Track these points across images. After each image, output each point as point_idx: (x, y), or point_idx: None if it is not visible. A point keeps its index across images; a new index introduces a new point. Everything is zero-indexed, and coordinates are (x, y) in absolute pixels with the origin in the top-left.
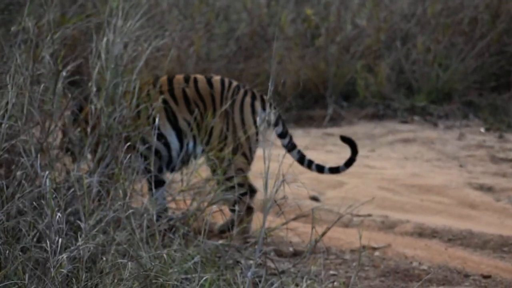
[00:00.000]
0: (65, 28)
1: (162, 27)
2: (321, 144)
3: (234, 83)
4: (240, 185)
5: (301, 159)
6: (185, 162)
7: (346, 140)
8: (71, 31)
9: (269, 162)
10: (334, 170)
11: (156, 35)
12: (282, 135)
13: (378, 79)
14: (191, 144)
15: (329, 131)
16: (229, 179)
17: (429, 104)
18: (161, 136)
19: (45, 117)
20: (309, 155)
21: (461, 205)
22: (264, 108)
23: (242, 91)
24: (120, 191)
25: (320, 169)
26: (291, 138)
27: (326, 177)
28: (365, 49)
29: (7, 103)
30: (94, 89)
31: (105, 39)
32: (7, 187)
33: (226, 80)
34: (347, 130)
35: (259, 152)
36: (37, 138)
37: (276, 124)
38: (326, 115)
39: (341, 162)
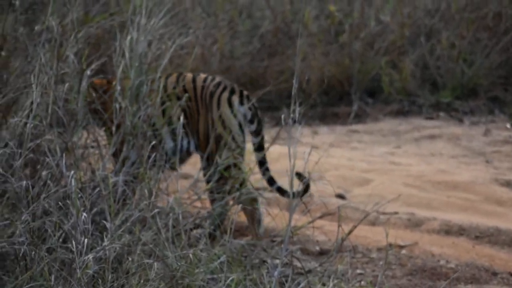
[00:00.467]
0: (88, 27)
1: (186, 25)
2: (346, 141)
3: (217, 80)
4: (236, 179)
5: (261, 164)
6: (182, 160)
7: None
8: (94, 29)
9: (295, 160)
10: (282, 192)
11: (180, 33)
12: (255, 133)
13: (402, 75)
14: (185, 142)
15: (354, 128)
16: (223, 175)
17: (454, 100)
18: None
19: (70, 116)
20: (334, 152)
21: (488, 201)
22: (242, 103)
23: (221, 87)
24: (146, 191)
25: (270, 183)
26: (262, 138)
27: (352, 174)
28: (389, 45)
29: (31, 103)
30: (119, 87)
31: (129, 38)
32: (33, 187)
33: (210, 77)
34: (372, 127)
35: (285, 149)
36: (62, 138)
37: (251, 122)
38: (351, 112)
39: (366, 159)
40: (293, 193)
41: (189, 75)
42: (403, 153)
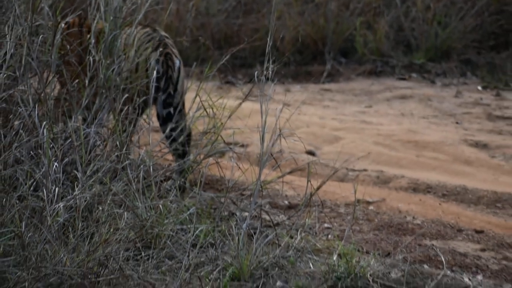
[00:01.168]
0: None
1: None
2: (318, 100)
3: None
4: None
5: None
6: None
7: None
8: None
9: (266, 116)
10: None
11: None
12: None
13: (377, 36)
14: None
15: (327, 86)
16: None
17: (427, 61)
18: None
19: (43, 68)
20: (306, 110)
21: (456, 161)
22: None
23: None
24: (117, 142)
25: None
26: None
27: (323, 132)
28: (365, 6)
29: (5, 54)
30: (93, 41)
31: None
32: (5, 136)
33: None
34: (345, 86)
35: (257, 106)
36: (35, 89)
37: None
38: (324, 71)
39: (337, 117)
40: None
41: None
42: (374, 112)
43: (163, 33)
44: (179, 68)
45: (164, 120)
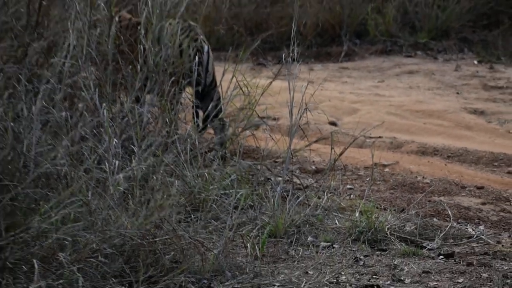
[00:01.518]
0: None
1: None
2: (337, 77)
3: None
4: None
5: None
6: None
7: None
8: None
9: (294, 93)
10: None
11: None
12: None
13: (386, 20)
14: None
15: (344, 65)
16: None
17: (430, 40)
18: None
19: (101, 57)
20: (328, 86)
21: (458, 127)
22: None
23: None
24: (167, 120)
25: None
26: None
27: (343, 105)
28: None
29: (69, 45)
30: (143, 31)
31: None
32: (71, 117)
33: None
34: (360, 64)
35: (285, 84)
36: (95, 75)
37: None
38: (342, 51)
39: (354, 91)
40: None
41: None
42: (386, 86)
43: (191, 22)
44: (207, 52)
45: (198, 96)
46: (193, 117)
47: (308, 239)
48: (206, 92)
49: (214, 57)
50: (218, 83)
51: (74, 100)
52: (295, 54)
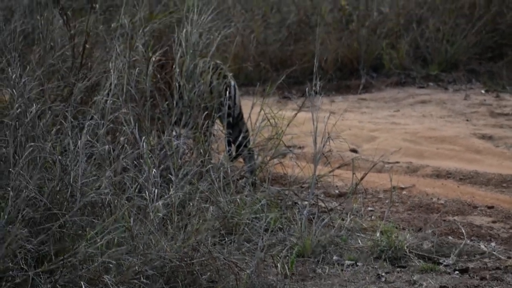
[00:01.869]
0: (153, 23)
1: (229, 19)
2: (357, 107)
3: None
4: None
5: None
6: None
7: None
8: (157, 25)
9: (317, 123)
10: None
11: (224, 26)
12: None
13: (399, 54)
14: None
15: (363, 96)
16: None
17: (440, 72)
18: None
19: (140, 94)
20: (348, 116)
21: (468, 151)
22: None
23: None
24: (201, 150)
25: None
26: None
27: (362, 133)
28: (388, 30)
29: (110, 84)
30: (177, 70)
31: (184, 31)
32: (113, 150)
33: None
34: (377, 95)
35: (309, 115)
36: (135, 111)
37: None
38: (360, 84)
39: (372, 121)
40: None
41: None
42: (401, 115)
43: (218, 61)
44: (234, 87)
45: (228, 127)
46: (226, 147)
47: (334, 258)
48: (235, 123)
49: (243, 92)
50: (246, 116)
51: (116, 134)
52: (318, 87)
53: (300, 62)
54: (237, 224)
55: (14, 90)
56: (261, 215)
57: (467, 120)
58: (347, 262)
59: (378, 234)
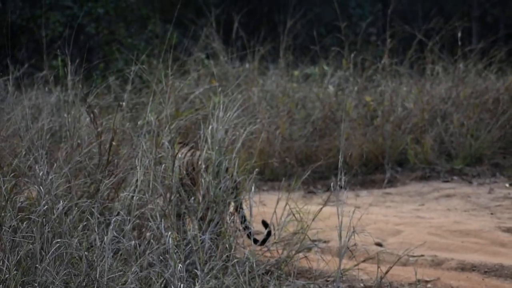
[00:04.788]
0: (179, 120)
1: (254, 115)
2: (382, 201)
3: None
4: None
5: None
6: None
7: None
8: (184, 122)
9: (342, 217)
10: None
11: (250, 122)
12: None
13: (424, 149)
14: None
15: (388, 191)
16: None
17: (464, 166)
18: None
19: (166, 190)
20: (373, 210)
21: (493, 244)
22: None
23: None
24: (227, 245)
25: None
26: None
27: (387, 227)
28: (413, 126)
29: (136, 181)
30: (203, 166)
31: (210, 127)
32: (139, 245)
33: None
34: (402, 190)
35: (334, 209)
36: (161, 207)
37: None
38: (385, 179)
39: (397, 215)
40: (256, 240)
41: None
42: (426, 209)
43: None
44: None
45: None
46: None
47: None
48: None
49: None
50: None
51: (142, 230)
52: (343, 182)
53: (325, 158)
54: None
55: (41, 187)
56: None
57: (492, 214)
58: None
59: None
